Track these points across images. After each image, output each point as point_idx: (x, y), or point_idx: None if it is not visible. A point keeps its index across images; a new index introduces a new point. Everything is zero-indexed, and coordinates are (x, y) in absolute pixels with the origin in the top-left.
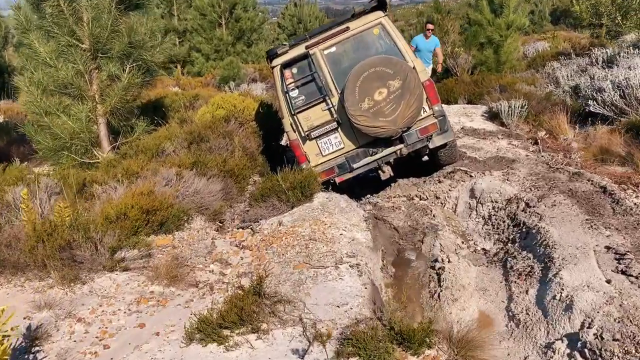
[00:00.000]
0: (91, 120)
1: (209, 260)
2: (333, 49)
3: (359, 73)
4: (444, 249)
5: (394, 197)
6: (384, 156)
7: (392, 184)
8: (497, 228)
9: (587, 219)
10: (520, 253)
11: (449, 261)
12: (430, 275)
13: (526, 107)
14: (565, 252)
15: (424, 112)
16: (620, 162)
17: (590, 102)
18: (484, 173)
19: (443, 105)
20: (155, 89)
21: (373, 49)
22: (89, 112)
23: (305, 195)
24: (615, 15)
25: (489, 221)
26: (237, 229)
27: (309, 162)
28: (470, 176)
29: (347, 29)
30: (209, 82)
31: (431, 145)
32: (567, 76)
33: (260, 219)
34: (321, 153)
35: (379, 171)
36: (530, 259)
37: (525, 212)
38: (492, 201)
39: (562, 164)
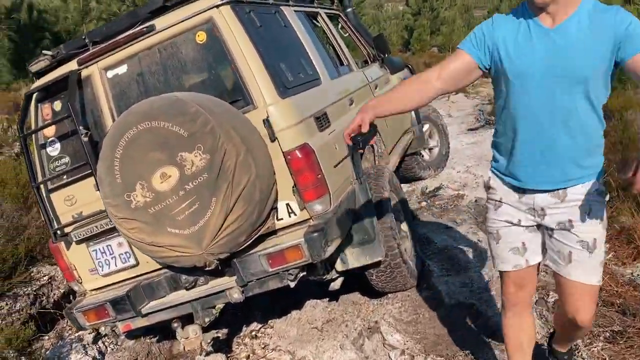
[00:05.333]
0: None
1: None
2: (123, 68)
3: (120, 131)
4: None
5: None
6: (205, 297)
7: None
8: None
9: None
10: None
11: None
12: None
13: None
14: None
15: (290, 213)
16: None
17: None
18: None
19: None
20: None
21: (196, 71)
22: None
23: None
24: None
25: None
26: None
27: (81, 283)
28: None
29: (152, 29)
30: None
31: (340, 267)
32: None
33: None
34: (97, 270)
35: (177, 330)
36: None
37: None
38: None
39: None
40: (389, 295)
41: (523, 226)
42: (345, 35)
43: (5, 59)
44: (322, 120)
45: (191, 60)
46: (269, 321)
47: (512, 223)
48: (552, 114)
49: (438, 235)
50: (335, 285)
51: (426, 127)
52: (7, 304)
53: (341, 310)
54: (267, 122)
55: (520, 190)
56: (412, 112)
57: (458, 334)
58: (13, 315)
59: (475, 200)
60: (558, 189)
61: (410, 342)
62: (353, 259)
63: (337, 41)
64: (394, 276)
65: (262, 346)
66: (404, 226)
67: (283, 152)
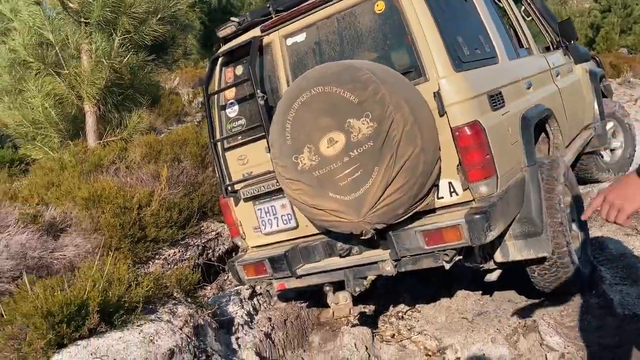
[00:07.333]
0: (63, 104)
1: None
2: (302, 36)
3: (293, 95)
4: None
5: None
6: (357, 266)
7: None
8: None
9: None
10: None
11: None
12: None
13: None
14: None
15: (451, 192)
16: None
17: None
18: None
19: None
20: None
21: (371, 40)
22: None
23: None
24: None
25: None
26: None
27: (244, 239)
28: None
29: None
30: None
31: (500, 258)
32: None
33: None
34: (260, 228)
35: (328, 294)
36: None
37: None
38: None
39: None
40: (551, 296)
41: None
42: (529, 19)
43: (196, 40)
44: (496, 100)
45: (367, 30)
46: (417, 305)
47: None
48: None
49: (614, 241)
50: (492, 277)
51: (610, 125)
52: (179, 251)
53: (495, 305)
54: (437, 95)
55: None
56: (595, 106)
57: (630, 348)
58: (184, 261)
59: None
60: None
61: (572, 348)
62: (515, 251)
63: (518, 23)
64: (559, 276)
65: (408, 328)
66: (575, 225)
67: (451, 128)
